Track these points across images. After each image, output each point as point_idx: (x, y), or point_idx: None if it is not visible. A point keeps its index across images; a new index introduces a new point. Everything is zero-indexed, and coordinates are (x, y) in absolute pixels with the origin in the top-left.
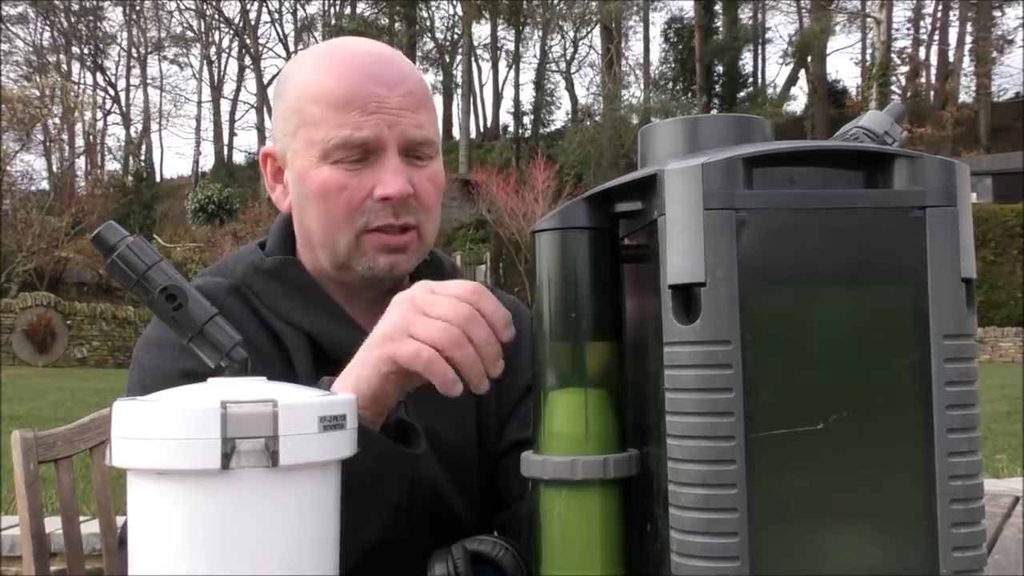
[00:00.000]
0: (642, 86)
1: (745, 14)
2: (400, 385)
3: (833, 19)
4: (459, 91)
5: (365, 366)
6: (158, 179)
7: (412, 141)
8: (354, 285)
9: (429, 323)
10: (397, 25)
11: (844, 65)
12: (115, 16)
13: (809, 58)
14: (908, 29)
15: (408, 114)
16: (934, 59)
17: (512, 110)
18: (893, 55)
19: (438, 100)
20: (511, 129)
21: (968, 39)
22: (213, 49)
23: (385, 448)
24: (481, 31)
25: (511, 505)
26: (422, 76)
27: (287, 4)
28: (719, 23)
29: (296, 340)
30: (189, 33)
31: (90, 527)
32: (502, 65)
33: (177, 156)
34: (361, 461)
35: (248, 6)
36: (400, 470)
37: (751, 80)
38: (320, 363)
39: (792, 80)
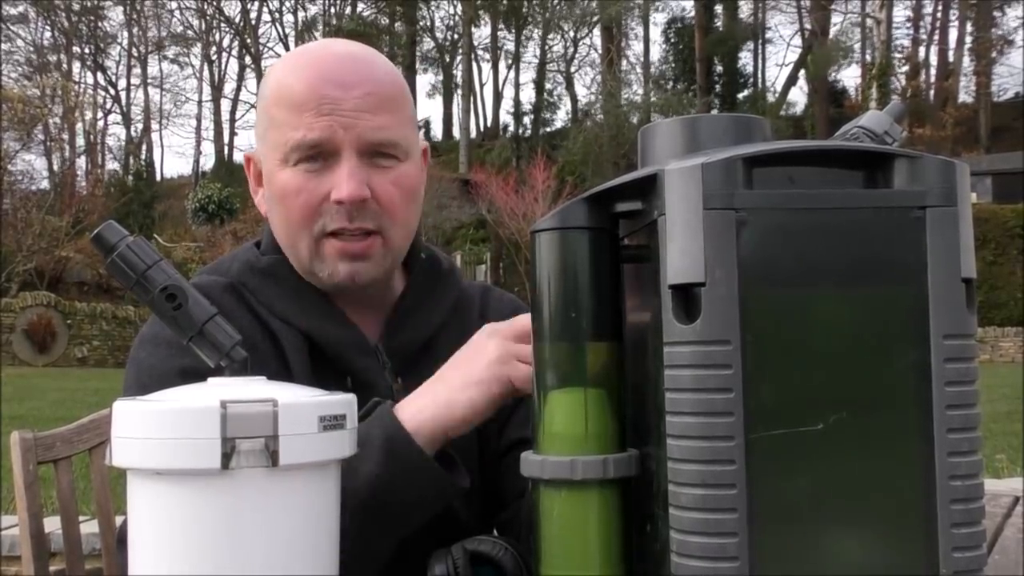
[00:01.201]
0: (642, 84)
1: (745, 13)
2: (493, 409)
3: (845, 46)
4: (459, 91)
5: (469, 388)
6: (158, 178)
7: (370, 143)
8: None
9: (527, 348)
10: (397, 25)
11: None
12: (116, 15)
13: (809, 57)
14: (908, 29)
15: (366, 116)
16: (934, 59)
17: (512, 110)
18: (893, 55)
19: (438, 100)
20: (511, 129)
21: (968, 39)
22: (213, 48)
23: (441, 481)
24: (481, 31)
25: (511, 504)
26: (395, 77)
27: (287, 4)
28: (719, 23)
29: (291, 337)
30: (190, 32)
31: (90, 527)
32: (502, 65)
33: (177, 156)
34: (416, 490)
35: (248, 5)
36: (445, 500)
37: (751, 81)
38: (317, 360)
39: (792, 80)
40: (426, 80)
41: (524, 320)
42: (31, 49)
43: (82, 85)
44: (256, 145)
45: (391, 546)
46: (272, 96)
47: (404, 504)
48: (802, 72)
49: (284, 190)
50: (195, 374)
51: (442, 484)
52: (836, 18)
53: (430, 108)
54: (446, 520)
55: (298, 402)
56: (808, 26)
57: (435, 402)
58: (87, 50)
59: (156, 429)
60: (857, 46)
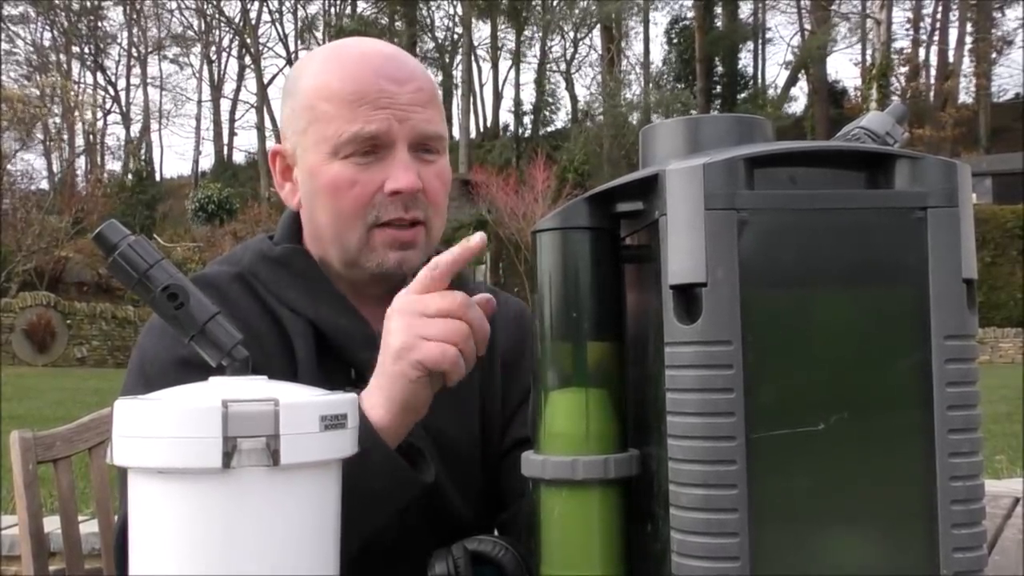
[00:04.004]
0: (642, 84)
1: (745, 14)
2: (430, 388)
3: (835, 29)
4: (459, 91)
5: (394, 381)
6: (158, 179)
7: (423, 135)
8: (362, 281)
9: (436, 322)
10: (397, 24)
11: (844, 66)
12: (115, 16)
13: (808, 60)
14: (908, 30)
15: (418, 109)
16: (934, 60)
17: (512, 110)
18: (893, 56)
19: None
20: (511, 129)
21: (968, 40)
22: (213, 48)
23: (398, 470)
24: (481, 31)
25: (512, 504)
26: (430, 75)
27: (287, 3)
28: (719, 24)
29: (299, 327)
30: (189, 32)
31: (89, 527)
32: (502, 65)
33: (178, 156)
34: (370, 478)
35: (248, 5)
36: (406, 494)
37: (751, 81)
38: (322, 350)
39: (792, 81)
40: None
41: (428, 279)
42: (31, 49)
43: (82, 85)
44: (287, 140)
45: (354, 540)
46: (314, 92)
47: (364, 497)
48: (802, 72)
49: (335, 182)
50: (197, 365)
51: (403, 477)
52: (836, 19)
53: None
54: (445, 517)
55: (299, 401)
56: (808, 27)
57: (385, 396)
58: (87, 50)
59: (157, 428)
60: (844, 34)
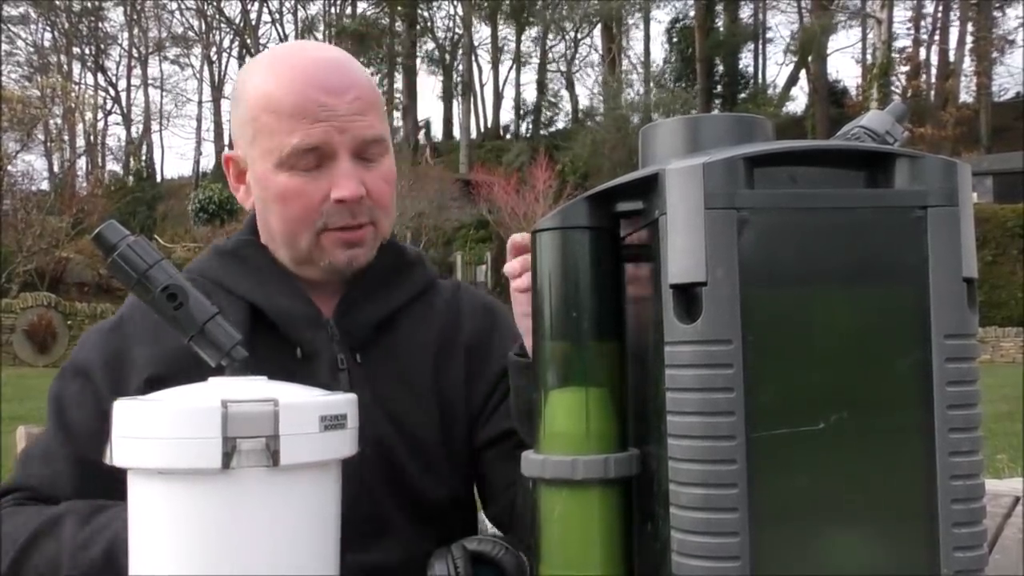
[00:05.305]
0: (643, 84)
1: (745, 13)
2: None
3: (834, 17)
4: (459, 91)
5: None
6: (159, 179)
7: (364, 142)
8: (313, 275)
9: None
10: (398, 25)
11: (845, 65)
12: (116, 16)
13: (810, 58)
14: (909, 29)
15: (358, 118)
16: (935, 59)
17: (517, 110)
18: (894, 55)
19: (439, 101)
20: (512, 129)
21: (969, 39)
22: (214, 49)
23: None
24: (482, 31)
25: (500, 496)
26: (369, 78)
27: (288, 4)
28: (720, 23)
29: (233, 313)
30: (190, 33)
31: None
32: (503, 65)
33: (179, 157)
34: None
35: (249, 6)
36: None
37: (752, 81)
38: (264, 331)
39: (793, 80)
40: (430, 82)
41: None
42: (31, 50)
43: (82, 86)
44: (238, 148)
45: None
46: (258, 104)
47: None
48: (803, 71)
49: (284, 193)
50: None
51: None
52: (837, 16)
53: (431, 108)
54: (401, 481)
55: (299, 402)
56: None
57: None
58: (87, 51)
59: (157, 429)
60: (845, 21)
